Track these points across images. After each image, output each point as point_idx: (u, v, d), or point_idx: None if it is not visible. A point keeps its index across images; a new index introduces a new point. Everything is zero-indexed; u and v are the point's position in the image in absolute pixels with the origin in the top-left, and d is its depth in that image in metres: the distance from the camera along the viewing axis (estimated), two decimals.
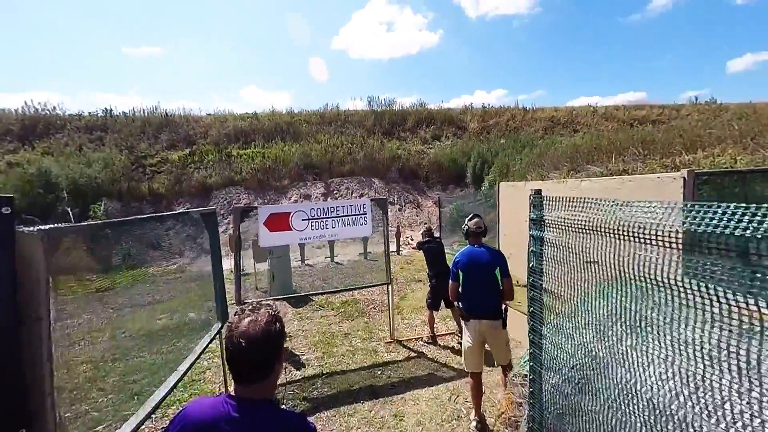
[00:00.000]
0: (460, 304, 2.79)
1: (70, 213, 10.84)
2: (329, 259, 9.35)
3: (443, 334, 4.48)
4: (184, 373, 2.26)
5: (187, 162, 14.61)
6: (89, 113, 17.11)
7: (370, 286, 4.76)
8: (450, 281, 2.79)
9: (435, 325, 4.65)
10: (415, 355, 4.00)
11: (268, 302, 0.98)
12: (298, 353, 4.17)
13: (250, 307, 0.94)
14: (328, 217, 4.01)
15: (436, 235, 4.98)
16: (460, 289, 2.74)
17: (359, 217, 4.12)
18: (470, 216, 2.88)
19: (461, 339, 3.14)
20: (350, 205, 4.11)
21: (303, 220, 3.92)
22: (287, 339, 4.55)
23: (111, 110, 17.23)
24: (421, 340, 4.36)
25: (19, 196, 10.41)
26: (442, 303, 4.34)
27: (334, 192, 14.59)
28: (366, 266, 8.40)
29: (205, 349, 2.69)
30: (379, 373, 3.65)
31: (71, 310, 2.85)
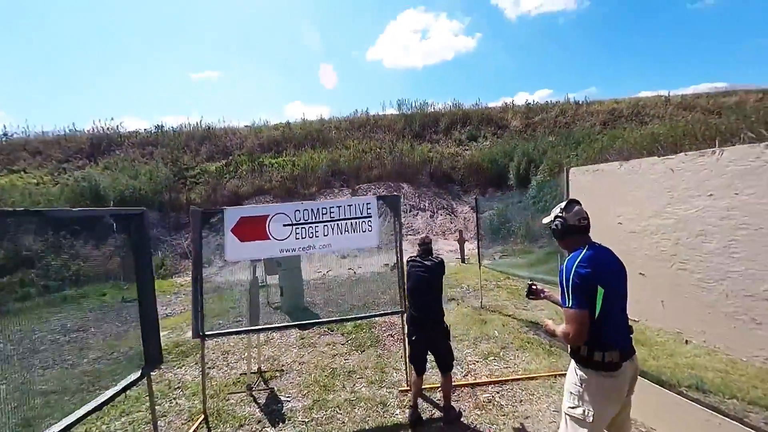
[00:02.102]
0: (585, 348, 1.53)
1: (114, 224, 11.28)
2: (351, 270, 8.39)
3: (484, 383, 3.17)
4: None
5: (222, 172, 14.88)
6: (144, 130, 18.48)
7: (378, 315, 3.62)
8: (576, 310, 1.47)
9: (477, 363, 3.38)
10: (440, 416, 2.76)
11: None
12: (283, 398, 3.15)
13: None
14: (318, 222, 3.00)
15: (438, 253, 3.56)
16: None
17: (362, 221, 3.04)
18: (565, 204, 1.69)
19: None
20: (348, 206, 3.05)
21: (285, 225, 2.95)
22: (276, 375, 3.57)
23: (162, 126, 18.43)
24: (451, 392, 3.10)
25: (69, 206, 11.08)
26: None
27: None
28: (391, 281, 7.26)
29: (101, 406, 1.79)
30: None
31: None
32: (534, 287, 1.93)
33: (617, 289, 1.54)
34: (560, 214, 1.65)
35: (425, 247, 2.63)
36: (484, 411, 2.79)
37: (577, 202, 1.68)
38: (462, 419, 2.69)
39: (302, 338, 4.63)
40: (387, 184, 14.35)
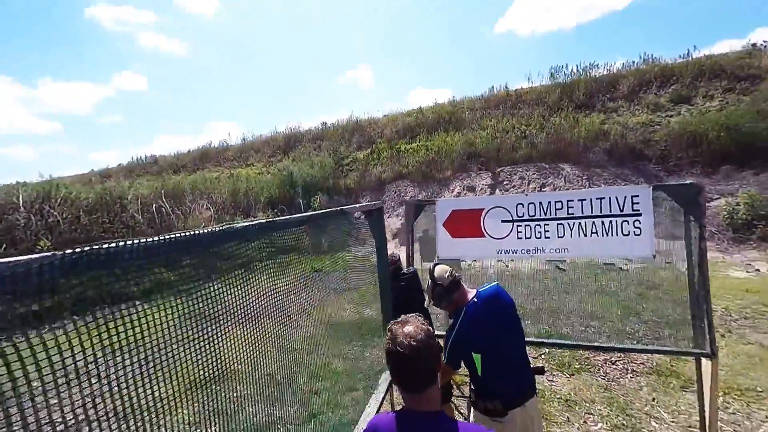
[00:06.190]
0: (474, 395, 1.58)
1: (302, 204, 14.05)
2: (554, 263, 6.12)
3: None
4: None
5: (368, 159, 16.15)
6: (314, 127, 22.31)
7: (657, 352, 2.45)
8: (446, 365, 1.52)
9: None
10: None
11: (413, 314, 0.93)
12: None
13: (402, 318, 0.92)
14: (550, 219, 2.13)
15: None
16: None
17: (623, 220, 1.98)
18: (430, 270, 1.67)
19: None
20: (599, 199, 2.03)
21: (503, 221, 2.24)
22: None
23: (325, 123, 21.73)
24: None
25: (276, 191, 14.44)
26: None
27: (504, 182, 12.06)
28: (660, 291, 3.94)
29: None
30: None
31: None
32: None
33: (505, 341, 1.52)
34: (432, 283, 1.60)
35: (394, 266, 2.38)
36: None
37: (436, 264, 1.65)
38: None
39: None
40: (539, 166, 12.01)
